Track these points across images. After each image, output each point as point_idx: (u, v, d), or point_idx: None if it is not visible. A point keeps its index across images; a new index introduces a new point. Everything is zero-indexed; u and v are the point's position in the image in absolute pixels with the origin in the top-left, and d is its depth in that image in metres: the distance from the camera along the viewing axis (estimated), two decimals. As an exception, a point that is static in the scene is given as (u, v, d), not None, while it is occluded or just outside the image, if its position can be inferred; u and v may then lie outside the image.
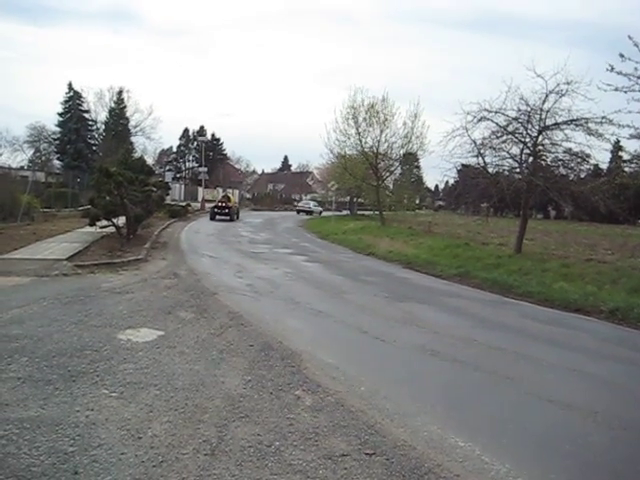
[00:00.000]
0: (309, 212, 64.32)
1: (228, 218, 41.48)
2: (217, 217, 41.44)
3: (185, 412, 5.63)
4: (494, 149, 22.23)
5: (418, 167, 62.10)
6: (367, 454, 4.95)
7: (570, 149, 21.20)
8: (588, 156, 21.42)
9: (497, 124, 21.57)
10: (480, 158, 22.50)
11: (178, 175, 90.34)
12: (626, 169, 23.71)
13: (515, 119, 21.40)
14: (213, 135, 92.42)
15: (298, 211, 66.17)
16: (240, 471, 4.52)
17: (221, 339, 8.48)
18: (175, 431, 5.17)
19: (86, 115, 67.30)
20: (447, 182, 74.07)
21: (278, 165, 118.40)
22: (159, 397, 5.99)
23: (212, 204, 46.20)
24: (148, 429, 5.17)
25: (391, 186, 54.18)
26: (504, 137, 21.82)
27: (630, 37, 15.87)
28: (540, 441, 5.60)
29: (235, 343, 8.29)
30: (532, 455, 5.25)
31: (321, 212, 64.35)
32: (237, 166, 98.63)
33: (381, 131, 41.91)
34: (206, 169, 63.21)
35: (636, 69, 15.91)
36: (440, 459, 4.97)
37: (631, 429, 6.14)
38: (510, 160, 22.35)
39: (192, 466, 4.55)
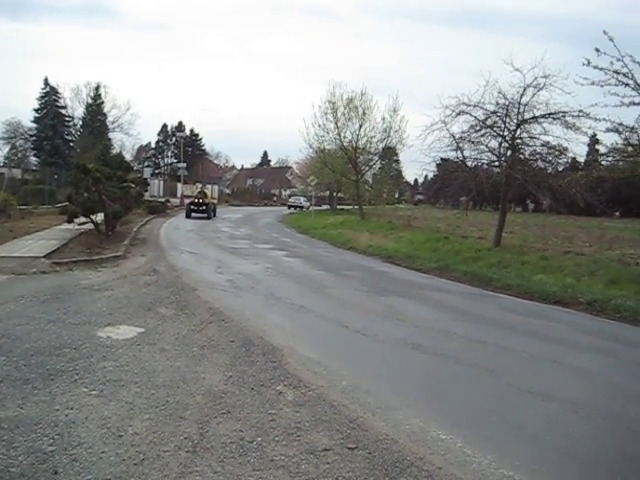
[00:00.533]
0: (300, 207, 65.01)
1: (205, 216, 38.67)
2: (193, 215, 38.63)
3: (166, 409, 5.59)
4: (473, 143, 22.36)
5: (397, 161, 62.48)
6: (349, 448, 4.95)
7: (548, 142, 21.39)
8: (566, 149, 21.63)
9: (476, 118, 21.70)
10: (459, 152, 22.64)
11: (157, 171, 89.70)
12: (603, 162, 23.83)
13: (494, 113, 21.54)
14: (192, 131, 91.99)
15: (289, 206, 66.34)
16: (222, 467, 4.49)
17: (202, 335, 8.44)
18: (156, 428, 5.13)
19: (63, 111, 66.54)
20: (426, 176, 74.45)
21: (257, 160, 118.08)
22: (139, 394, 5.94)
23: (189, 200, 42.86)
24: (129, 427, 5.13)
25: (370, 180, 54.31)
26: (483, 131, 21.96)
27: (605, 32, 16.02)
28: (521, 432, 5.65)
29: (216, 339, 8.25)
30: (513, 446, 5.28)
31: (309, 207, 64.35)
32: (216, 161, 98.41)
33: (360, 125, 42.07)
34: (185, 165, 62.87)
35: (612, 63, 16.05)
36: (422, 452, 4.98)
37: (610, 419, 6.20)
38: (489, 154, 22.53)
39: (174, 463, 4.52)
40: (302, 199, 69.56)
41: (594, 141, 36.99)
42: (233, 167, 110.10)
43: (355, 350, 8.44)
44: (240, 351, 7.71)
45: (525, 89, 20.50)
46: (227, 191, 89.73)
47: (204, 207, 39.06)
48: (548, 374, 7.76)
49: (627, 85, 16.18)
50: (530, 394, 6.77)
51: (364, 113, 41.85)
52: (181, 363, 7.07)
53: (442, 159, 25.62)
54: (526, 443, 5.39)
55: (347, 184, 49.05)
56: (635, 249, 23.44)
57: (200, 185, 45.07)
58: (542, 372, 7.82)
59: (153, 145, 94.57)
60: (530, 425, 5.86)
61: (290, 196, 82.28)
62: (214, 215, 40.59)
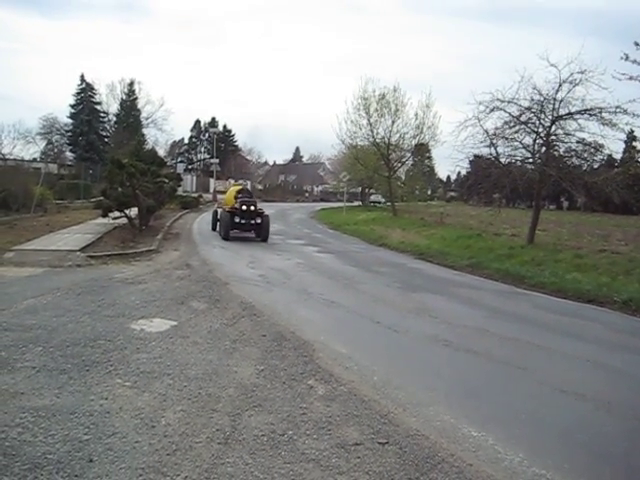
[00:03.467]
0: (378, 203, 63.44)
1: (254, 235, 22.83)
2: (234, 233, 22.27)
3: (198, 401, 5.66)
4: (506, 139, 22.11)
5: (430, 158, 61.91)
6: (380, 443, 4.95)
7: (583, 139, 21.06)
8: (601, 146, 21.27)
9: (510, 114, 21.45)
10: (492, 148, 22.40)
11: (190, 166, 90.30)
12: (640, 159, 23.50)
13: (528, 109, 21.27)
14: (224, 126, 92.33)
15: (371, 202, 65.41)
16: (254, 460, 4.53)
17: (234, 329, 8.50)
18: (188, 420, 5.19)
19: (98, 107, 67.56)
20: (459, 173, 74.02)
21: (289, 156, 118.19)
22: (172, 386, 6.02)
23: (222, 202, 26.57)
24: (162, 418, 5.20)
25: (403, 177, 54.06)
26: (517, 127, 21.70)
27: (645, 25, 15.70)
28: (553, 431, 5.59)
29: (248, 333, 8.31)
30: (545, 445, 5.23)
31: (380, 203, 63.22)
32: (248, 157, 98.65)
33: (393, 121, 41.83)
34: (218, 160, 63.12)
35: (651, 57, 15.75)
36: (453, 449, 4.96)
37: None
38: (523, 150, 22.24)
39: (206, 454, 4.57)
40: (380, 196, 68.27)
41: (631, 138, 36.33)
42: (265, 163, 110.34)
43: (386, 346, 8.43)
44: (272, 345, 7.75)
45: (560, 85, 20.20)
46: (259, 187, 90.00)
47: (256, 221, 22.28)
48: (581, 373, 7.67)
49: (667, 80, 15.88)
50: (563, 393, 6.70)
51: (397, 109, 41.64)
52: (213, 356, 7.14)
53: (475, 156, 25.38)
54: (558, 442, 5.34)
55: (379, 180, 48.88)
56: (672, 248, 23.00)
57: (242, 182, 26.64)
58: (575, 371, 7.74)
59: (186, 141, 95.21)
60: (562, 424, 5.80)
61: (310, 191, 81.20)
62: (267, 234, 22.82)
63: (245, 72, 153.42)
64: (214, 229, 24.76)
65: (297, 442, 4.88)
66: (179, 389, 5.95)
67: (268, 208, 36.82)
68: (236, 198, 22.84)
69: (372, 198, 66.94)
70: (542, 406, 6.31)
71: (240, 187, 25.96)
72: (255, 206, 22.20)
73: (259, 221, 22.10)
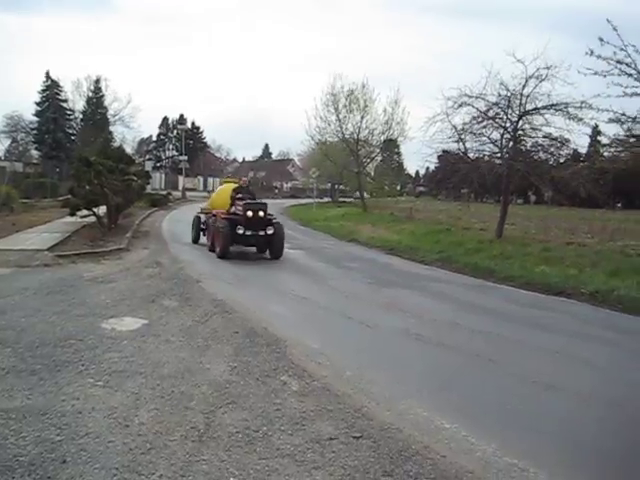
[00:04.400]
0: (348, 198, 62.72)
1: (260, 251, 17.16)
2: (237, 247, 16.59)
3: (172, 399, 5.63)
4: (475, 134, 22.31)
5: (399, 153, 62.39)
6: (354, 437, 4.98)
7: (550, 134, 21.34)
8: (568, 141, 21.59)
9: (477, 109, 21.64)
10: (461, 143, 22.60)
11: (158, 164, 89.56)
12: (605, 153, 23.89)
13: (495, 104, 21.48)
14: (193, 123, 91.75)
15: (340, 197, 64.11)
16: (229, 456, 4.53)
17: (206, 326, 8.47)
18: (162, 418, 5.17)
19: (64, 104, 66.61)
20: (428, 168, 74.39)
21: (259, 153, 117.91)
22: (145, 385, 5.98)
23: (208, 206, 19.89)
24: (135, 417, 5.16)
25: (372, 172, 54.29)
26: (484, 122, 21.90)
27: (609, 20, 15.97)
28: (525, 421, 5.68)
29: (220, 330, 8.28)
30: (517, 435, 5.32)
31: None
32: (217, 154, 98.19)
33: (361, 117, 42.02)
34: (186, 158, 62.69)
35: (615, 53, 16.03)
36: (427, 441, 5.01)
37: (613, 408, 6.23)
38: (491, 145, 22.46)
39: (180, 452, 4.55)
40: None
41: (596, 132, 36.86)
42: (234, 160, 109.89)
43: (359, 341, 8.48)
44: (244, 342, 7.74)
45: (527, 80, 20.42)
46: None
47: (266, 232, 16.21)
48: (551, 364, 7.78)
49: (630, 75, 16.15)
50: (533, 384, 6.80)
51: (365, 105, 41.85)
52: (186, 354, 7.11)
53: (444, 151, 25.63)
54: (529, 431, 5.42)
55: (349, 176, 49.01)
56: (637, 240, 23.39)
57: (245, 179, 20.55)
58: (545, 362, 7.85)
59: (154, 138, 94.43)
60: (533, 414, 5.89)
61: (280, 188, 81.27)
62: (282, 250, 16.81)
63: (215, 69, 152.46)
64: (196, 241, 19.01)
65: (272, 438, 4.89)
66: (152, 387, 5.91)
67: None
68: (234, 200, 16.82)
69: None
70: (513, 397, 6.40)
71: (236, 184, 18.53)
72: (265, 211, 16.03)
73: (271, 232, 15.67)
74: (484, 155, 23.36)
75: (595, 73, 16.50)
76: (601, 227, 28.50)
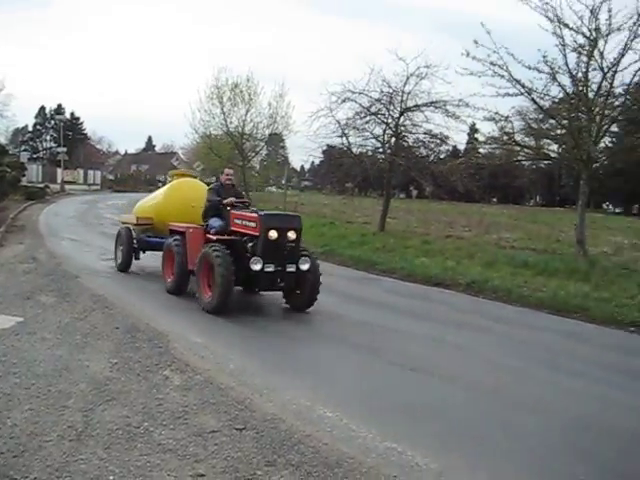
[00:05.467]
0: None
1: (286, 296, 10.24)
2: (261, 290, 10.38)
3: (48, 399, 5.42)
4: (358, 129, 22.82)
5: (284, 147, 62.41)
6: (237, 429, 5.00)
7: (430, 130, 22.21)
8: (447, 137, 22.60)
9: (360, 105, 22.13)
10: (344, 138, 23.02)
11: (35, 155, 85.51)
12: (481, 150, 25.07)
13: (378, 100, 22.04)
14: (72, 114, 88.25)
15: None
16: (108, 454, 4.42)
17: (85, 323, 8.21)
18: (37, 419, 4.97)
19: None
20: (312, 162, 75.06)
21: (142, 145, 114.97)
22: (19, 385, 5.72)
23: (145, 216, 13.26)
24: (7, 419, 4.94)
25: (257, 166, 54.16)
26: (367, 118, 22.44)
27: (483, 24, 16.78)
28: (404, 407, 5.89)
29: (100, 326, 8.05)
30: (397, 421, 5.51)
31: None
32: (99, 146, 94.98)
33: (246, 111, 41.65)
34: (65, 149, 60.11)
35: (489, 55, 16.87)
36: (309, 430, 5.09)
37: (486, 390, 6.58)
38: (373, 140, 23.06)
39: (56, 453, 4.40)
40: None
41: (473, 130, 38.61)
42: (116, 152, 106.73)
43: (241, 334, 8.45)
44: (125, 337, 7.57)
45: (408, 78, 21.15)
46: (110, 177, 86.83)
47: (301, 265, 9.53)
48: (429, 352, 8.12)
49: (502, 77, 17.06)
50: (412, 371, 7.06)
51: (250, 98, 41.50)
52: (63, 352, 6.87)
53: (328, 145, 25.97)
54: (408, 417, 5.65)
55: (233, 170, 48.57)
56: (510, 233, 24.79)
57: (229, 171, 11.29)
58: (424, 350, 8.17)
59: (30, 128, 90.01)
60: (412, 400, 6.13)
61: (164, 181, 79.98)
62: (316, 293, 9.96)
63: (97, 59, 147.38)
64: (125, 268, 12.91)
65: (153, 433, 4.82)
66: (26, 387, 5.67)
67: (120, 199, 35.10)
68: (214, 208, 10.52)
69: None
70: (393, 384, 6.63)
71: (202, 180, 14.65)
72: (299, 231, 9.60)
73: (306, 266, 9.58)
74: (367, 150, 23.96)
75: (471, 73, 17.36)
76: (478, 221, 29.85)
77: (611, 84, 16.77)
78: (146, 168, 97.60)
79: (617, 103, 17.84)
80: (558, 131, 19.58)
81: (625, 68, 16.44)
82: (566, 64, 16.79)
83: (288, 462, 4.48)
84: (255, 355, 7.40)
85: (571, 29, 16.33)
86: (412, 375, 6.97)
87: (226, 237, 9.85)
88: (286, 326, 9.06)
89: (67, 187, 52.27)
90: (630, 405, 6.50)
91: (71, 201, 40.92)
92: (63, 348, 7.00)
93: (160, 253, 11.57)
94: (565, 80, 17.16)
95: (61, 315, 8.58)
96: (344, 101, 21.98)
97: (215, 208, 10.46)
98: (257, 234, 9.31)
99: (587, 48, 16.44)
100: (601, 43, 16.32)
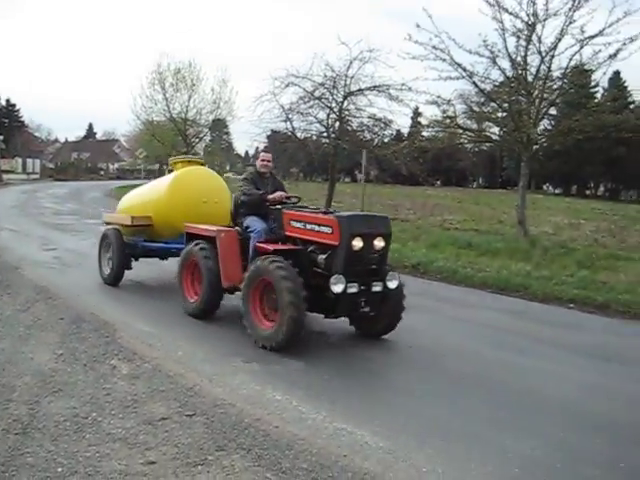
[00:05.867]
0: None
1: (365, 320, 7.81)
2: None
3: (-9, 393, 5.32)
4: (302, 114, 22.73)
5: (228, 133, 61.98)
6: (187, 415, 4.99)
7: (374, 114, 22.29)
8: (391, 121, 22.71)
9: (304, 89, 22.04)
10: (288, 123, 22.92)
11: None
12: (424, 133, 25.32)
13: (321, 85, 21.99)
14: (8, 100, 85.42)
15: None
16: (56, 446, 4.36)
17: (28, 314, 8.05)
18: (-19, 413, 4.88)
19: None
20: (257, 148, 74.50)
21: (82, 133, 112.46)
22: (-40, 380, 5.60)
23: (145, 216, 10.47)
24: (-51, 414, 4.83)
25: (201, 153, 53.66)
26: (311, 102, 22.37)
27: (425, 9, 16.95)
28: (353, 389, 5.97)
29: (44, 318, 7.90)
30: (346, 401, 5.57)
31: None
32: (37, 134, 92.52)
33: (189, 97, 41.24)
34: (2, 137, 58.48)
35: (430, 39, 17.06)
36: (259, 413, 5.12)
37: (432, 370, 6.74)
38: (317, 125, 23.00)
39: (1, 448, 4.32)
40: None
41: (417, 114, 38.98)
42: (56, 140, 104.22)
43: (190, 322, 8.36)
44: (70, 328, 7.44)
45: (351, 62, 21.15)
46: (50, 165, 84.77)
47: (389, 284, 7.39)
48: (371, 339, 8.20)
49: (444, 60, 17.28)
50: (366, 360, 7.14)
51: (193, 84, 41.08)
52: (6, 344, 6.73)
53: (272, 130, 25.85)
54: (357, 398, 5.71)
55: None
56: (454, 215, 25.23)
57: (267, 156, 8.68)
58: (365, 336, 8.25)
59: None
60: (361, 381, 6.21)
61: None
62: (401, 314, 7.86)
63: (32, 45, 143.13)
64: (116, 281, 10.44)
65: (102, 423, 4.78)
66: (-32, 382, 5.55)
67: (60, 187, 34.25)
68: (253, 206, 8.19)
69: None
70: (338, 368, 6.65)
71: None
72: (388, 238, 7.54)
73: (395, 285, 7.51)
74: (312, 135, 23.93)
75: (413, 57, 17.51)
76: (422, 203, 30.28)
77: (549, 68, 17.21)
78: (87, 156, 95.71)
79: (555, 86, 18.30)
80: (499, 114, 20.00)
81: (562, 52, 16.89)
82: (506, 48, 17.17)
83: (239, 446, 4.50)
84: (205, 342, 7.36)
85: (510, 14, 16.69)
86: (357, 358, 7.07)
87: (288, 247, 7.48)
88: (235, 311, 9.01)
89: (5, 177, 50.93)
90: (568, 377, 6.74)
91: (9, 191, 39.88)
92: (5, 341, 6.86)
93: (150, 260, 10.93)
94: (505, 64, 17.54)
95: (2, 308, 8.40)
96: (287, 86, 21.89)
97: (255, 205, 8.13)
98: (335, 243, 6.91)
99: (526, 32, 16.82)
100: (539, 28, 16.73)
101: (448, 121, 19.86)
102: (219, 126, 51.18)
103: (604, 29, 15.85)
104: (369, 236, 7.02)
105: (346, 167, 59.20)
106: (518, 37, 16.97)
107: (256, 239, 7.68)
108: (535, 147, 20.17)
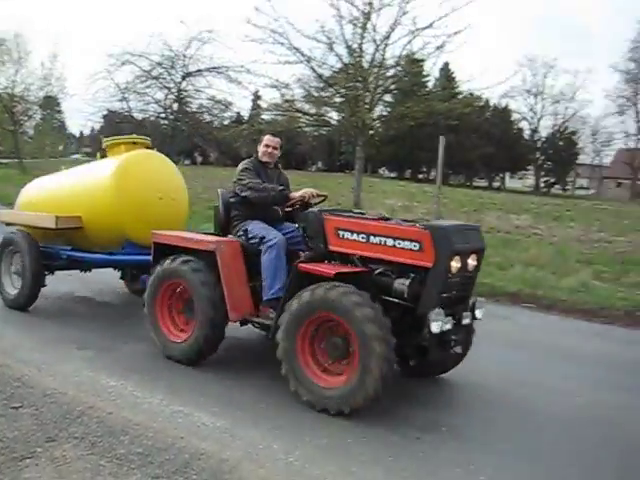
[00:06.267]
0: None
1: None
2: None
3: None
4: (139, 94, 22.24)
5: (60, 112, 58.96)
6: (14, 408, 4.72)
7: (214, 96, 22.23)
8: (231, 104, 22.81)
9: (141, 68, 21.52)
10: (125, 102, 22.32)
11: None
12: (264, 116, 25.52)
13: (159, 64, 21.57)
14: None
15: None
16: None
17: None
18: None
19: None
20: (92, 128, 71.65)
21: None
22: None
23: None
24: None
25: (31, 132, 50.69)
26: (148, 82, 21.93)
27: (263, -7, 17.04)
28: (188, 371, 5.91)
29: None
30: (182, 384, 5.52)
31: None
32: None
33: (16, 71, 38.74)
34: None
35: (269, 23, 17.20)
36: (92, 401, 4.96)
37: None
38: (155, 105, 22.58)
39: None
40: None
41: (257, 97, 39.15)
42: None
43: (13, 310, 7.86)
44: None
45: (190, 42, 20.89)
46: None
47: (477, 313, 5.48)
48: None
49: (282, 44, 17.50)
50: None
51: (20, 57, 38.60)
52: None
53: (108, 110, 25.02)
54: (196, 381, 5.66)
55: (4, 135, 44.96)
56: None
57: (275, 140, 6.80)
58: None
59: None
60: (201, 365, 6.12)
61: None
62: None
63: None
64: (26, 306, 7.84)
65: None
66: None
67: None
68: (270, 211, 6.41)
69: None
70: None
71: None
72: (481, 256, 5.42)
73: (481, 314, 5.55)
74: (150, 115, 23.40)
75: (252, 40, 17.59)
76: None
77: (383, 56, 17.92)
78: None
79: (389, 74, 19.09)
80: (337, 99, 20.56)
81: (395, 42, 17.64)
82: (342, 35, 17.67)
83: (71, 435, 4.33)
84: (34, 330, 7.00)
85: (347, 1, 17.15)
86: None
87: (352, 268, 5.27)
88: (64, 293, 8.63)
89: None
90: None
91: None
92: None
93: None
94: (342, 50, 18.06)
95: None
96: (124, 64, 21.28)
97: (265, 205, 6.30)
98: (427, 265, 4.96)
99: (361, 21, 17.40)
100: (374, 17, 17.34)
101: (287, 105, 20.16)
102: (50, 104, 48.43)
103: (434, 22, 16.80)
104: (465, 254, 5.15)
105: (185, 149, 58.31)
106: (355, 25, 17.52)
107: (274, 253, 5.72)
108: (371, 132, 20.98)
